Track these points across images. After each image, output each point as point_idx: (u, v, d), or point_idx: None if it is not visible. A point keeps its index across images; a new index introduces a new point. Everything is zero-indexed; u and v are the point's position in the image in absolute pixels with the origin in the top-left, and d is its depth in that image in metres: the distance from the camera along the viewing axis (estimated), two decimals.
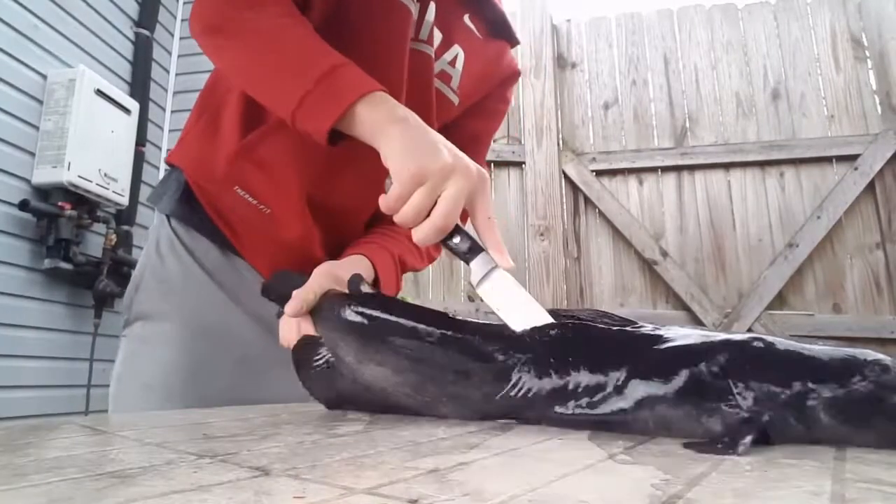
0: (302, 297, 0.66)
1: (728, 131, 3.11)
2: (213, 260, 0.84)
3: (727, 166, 3.08)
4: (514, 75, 0.98)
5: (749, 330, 2.77)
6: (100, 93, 2.68)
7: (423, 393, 0.58)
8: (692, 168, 3.12)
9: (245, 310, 0.84)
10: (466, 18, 0.88)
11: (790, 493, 0.31)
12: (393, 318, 0.58)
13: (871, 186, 2.88)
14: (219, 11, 0.71)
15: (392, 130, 0.60)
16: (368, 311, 0.60)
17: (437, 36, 0.84)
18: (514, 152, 3.28)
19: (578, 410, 0.50)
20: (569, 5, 5.29)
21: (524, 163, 3.26)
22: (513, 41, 0.95)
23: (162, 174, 1.88)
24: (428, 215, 0.58)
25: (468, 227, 0.64)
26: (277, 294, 0.74)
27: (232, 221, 0.83)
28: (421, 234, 0.58)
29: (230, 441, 0.42)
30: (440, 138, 0.62)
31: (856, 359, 0.45)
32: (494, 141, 3.28)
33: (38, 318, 2.45)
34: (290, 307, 0.67)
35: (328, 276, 0.70)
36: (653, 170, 3.17)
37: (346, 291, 0.66)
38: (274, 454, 0.37)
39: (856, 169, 2.89)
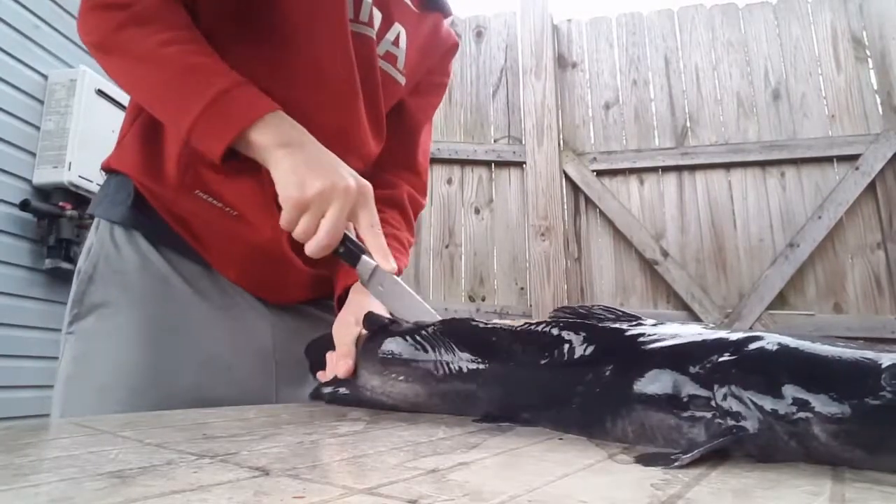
0: (349, 353, 0.68)
1: (729, 131, 3.11)
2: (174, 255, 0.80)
3: (728, 166, 3.08)
4: (453, 46, 0.97)
5: (750, 329, 2.76)
6: (101, 93, 2.68)
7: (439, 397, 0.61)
8: (693, 168, 3.12)
9: (209, 304, 0.80)
10: None
11: (790, 492, 0.31)
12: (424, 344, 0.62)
13: (871, 186, 2.88)
14: (98, 28, 0.68)
15: (277, 156, 0.64)
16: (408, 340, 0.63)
17: (377, 16, 0.81)
18: (514, 152, 3.28)
19: (553, 414, 0.50)
20: (569, 5, 5.31)
21: (525, 163, 3.26)
22: (446, 12, 0.93)
23: None
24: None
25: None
26: (315, 358, 0.76)
27: (194, 226, 0.78)
28: (310, 250, 0.64)
29: (230, 441, 0.42)
30: (324, 159, 0.66)
31: (870, 362, 0.37)
32: (495, 141, 3.32)
33: (38, 318, 2.45)
34: (343, 368, 0.67)
35: (348, 325, 0.72)
36: (653, 170, 3.17)
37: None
38: (274, 454, 0.37)
39: (857, 169, 2.89)
